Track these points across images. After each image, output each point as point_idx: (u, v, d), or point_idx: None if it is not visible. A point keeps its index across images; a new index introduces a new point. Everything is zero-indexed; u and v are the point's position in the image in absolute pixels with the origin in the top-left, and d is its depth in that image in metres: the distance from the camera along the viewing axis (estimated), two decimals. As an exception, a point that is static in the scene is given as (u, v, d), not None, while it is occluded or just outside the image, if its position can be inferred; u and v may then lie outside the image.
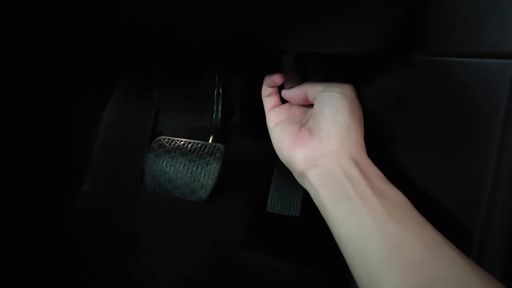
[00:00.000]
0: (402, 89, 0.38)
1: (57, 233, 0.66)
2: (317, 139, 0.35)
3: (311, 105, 0.40)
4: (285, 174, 0.61)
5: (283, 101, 0.44)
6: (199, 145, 0.63)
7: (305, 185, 0.35)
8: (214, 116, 0.70)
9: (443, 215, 0.35)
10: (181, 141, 0.65)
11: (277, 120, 0.42)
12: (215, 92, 0.69)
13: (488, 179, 0.32)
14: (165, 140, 0.65)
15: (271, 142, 0.41)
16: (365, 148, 0.35)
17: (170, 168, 0.62)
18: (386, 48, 0.33)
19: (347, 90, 0.36)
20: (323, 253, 0.60)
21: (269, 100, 0.43)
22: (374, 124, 0.43)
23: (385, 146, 0.42)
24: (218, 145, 0.63)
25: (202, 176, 0.61)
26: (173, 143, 0.64)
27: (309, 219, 0.61)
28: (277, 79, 0.40)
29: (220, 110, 0.70)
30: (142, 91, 0.78)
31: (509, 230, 0.32)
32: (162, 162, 0.62)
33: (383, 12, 0.30)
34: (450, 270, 0.26)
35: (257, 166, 0.72)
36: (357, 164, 0.32)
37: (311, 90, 0.38)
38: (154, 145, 0.64)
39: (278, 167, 0.60)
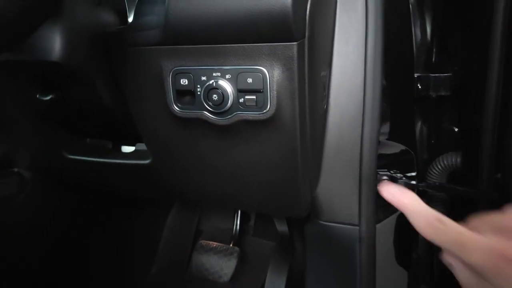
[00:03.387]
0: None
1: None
2: None
3: None
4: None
5: None
6: (224, 247, 1.05)
7: None
8: (234, 228, 1.13)
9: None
10: (214, 244, 1.06)
11: None
12: (235, 214, 1.12)
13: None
14: (204, 243, 1.07)
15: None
16: None
17: (207, 261, 1.03)
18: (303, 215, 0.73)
19: None
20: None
21: None
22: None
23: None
24: (236, 248, 1.05)
25: (225, 267, 1.01)
26: (209, 245, 1.06)
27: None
28: None
29: (238, 223, 1.12)
30: (191, 207, 1.22)
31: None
32: (202, 258, 1.04)
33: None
34: None
35: (262, 258, 1.12)
36: None
37: None
38: (198, 246, 1.06)
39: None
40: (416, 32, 0.72)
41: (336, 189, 0.69)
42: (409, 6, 0.70)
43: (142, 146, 0.73)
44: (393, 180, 0.70)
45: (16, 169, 0.86)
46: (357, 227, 0.69)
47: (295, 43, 0.47)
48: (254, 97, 0.51)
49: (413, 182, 0.69)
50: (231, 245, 1.09)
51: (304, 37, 0.49)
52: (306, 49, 0.50)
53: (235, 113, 0.53)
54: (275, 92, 0.50)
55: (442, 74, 0.70)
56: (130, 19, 0.59)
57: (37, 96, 0.60)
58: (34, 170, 0.87)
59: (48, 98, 0.60)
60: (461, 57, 0.71)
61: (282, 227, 1.08)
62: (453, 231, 0.34)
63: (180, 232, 1.19)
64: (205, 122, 0.55)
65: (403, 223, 0.77)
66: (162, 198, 1.05)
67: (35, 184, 0.89)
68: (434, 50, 0.74)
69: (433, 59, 0.75)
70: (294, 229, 1.09)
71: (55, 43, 0.49)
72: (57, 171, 0.83)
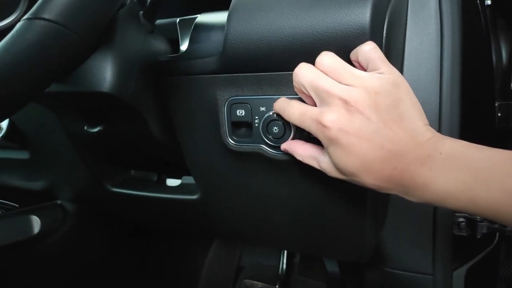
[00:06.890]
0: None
1: None
2: None
3: None
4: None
5: None
6: (269, 289, 0.97)
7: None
8: (280, 266, 1.05)
9: None
10: (259, 284, 0.99)
11: None
12: (281, 252, 1.05)
13: None
14: (248, 283, 1.00)
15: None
16: None
17: (251, 303, 0.95)
18: (365, 260, 0.65)
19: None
20: None
21: None
22: None
23: None
24: (282, 290, 0.97)
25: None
26: (253, 286, 0.99)
27: None
28: None
29: (284, 261, 1.04)
30: (232, 242, 1.16)
31: None
32: (246, 299, 0.97)
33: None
34: None
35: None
36: None
37: None
38: (242, 285, 0.99)
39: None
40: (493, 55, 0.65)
41: (405, 231, 0.61)
42: (486, 27, 0.63)
43: (188, 179, 0.68)
44: (472, 223, 0.61)
45: (59, 201, 0.84)
46: (431, 277, 0.61)
47: (370, 68, 0.41)
48: (320, 129, 0.46)
49: (496, 226, 0.60)
50: (277, 286, 1.01)
51: (380, 62, 0.43)
52: (381, 76, 0.44)
53: (297, 147, 0.47)
54: (345, 124, 0.44)
55: (525, 102, 0.62)
56: (184, 47, 0.56)
57: (85, 128, 0.57)
58: (77, 202, 0.84)
59: (96, 130, 0.57)
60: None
61: (332, 267, 0.99)
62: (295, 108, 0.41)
63: (221, 268, 1.12)
64: (262, 156, 0.50)
65: (480, 269, 0.67)
66: (207, 235, 0.99)
67: (78, 216, 0.86)
68: (513, 75, 0.66)
69: (512, 85, 0.66)
70: (345, 269, 1.00)
71: (106, 73, 0.46)
72: (100, 204, 0.80)
